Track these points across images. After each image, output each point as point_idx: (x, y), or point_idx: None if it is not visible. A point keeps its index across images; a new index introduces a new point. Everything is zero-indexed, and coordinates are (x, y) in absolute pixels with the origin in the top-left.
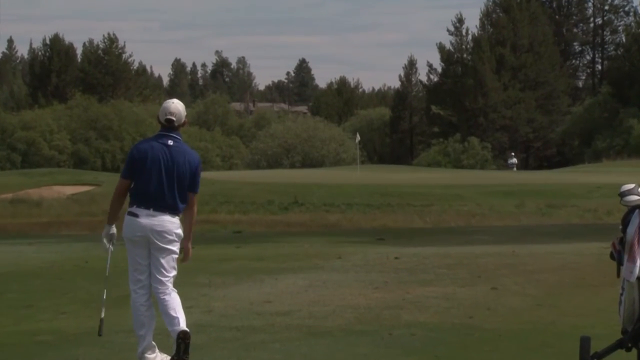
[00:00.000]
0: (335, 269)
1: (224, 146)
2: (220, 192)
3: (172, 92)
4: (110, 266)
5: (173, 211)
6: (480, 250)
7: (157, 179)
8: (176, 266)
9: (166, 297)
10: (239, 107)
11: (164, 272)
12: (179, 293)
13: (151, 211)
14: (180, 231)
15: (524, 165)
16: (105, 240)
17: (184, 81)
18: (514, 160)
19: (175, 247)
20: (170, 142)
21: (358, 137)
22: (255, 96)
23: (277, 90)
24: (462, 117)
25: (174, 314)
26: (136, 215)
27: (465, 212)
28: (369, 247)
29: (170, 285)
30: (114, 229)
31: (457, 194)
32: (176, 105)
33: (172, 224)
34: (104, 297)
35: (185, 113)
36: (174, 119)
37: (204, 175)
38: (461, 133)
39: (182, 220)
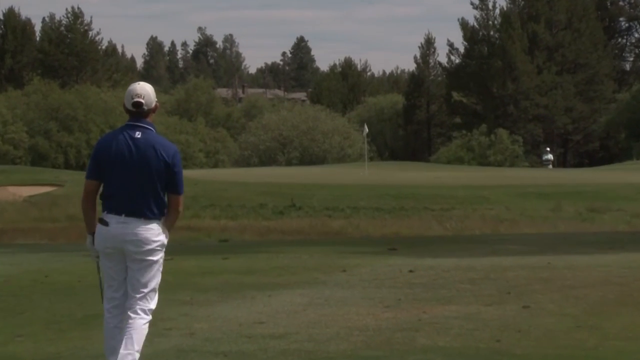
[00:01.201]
0: (339, 284)
1: (209, 140)
2: (203, 193)
3: (147, 76)
4: (77, 280)
5: (148, 216)
6: (510, 262)
7: (124, 178)
8: (156, 280)
9: (131, 322)
10: (225, 93)
11: (138, 287)
12: (154, 313)
13: (122, 217)
14: (161, 238)
15: (561, 162)
16: (91, 251)
17: (161, 63)
18: (550, 156)
19: (156, 257)
20: (138, 134)
21: (366, 129)
22: (245, 81)
23: (271, 74)
24: (489, 106)
25: (128, 345)
26: (106, 224)
27: (492, 218)
28: (379, 259)
29: (144, 304)
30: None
31: (483, 195)
32: (142, 86)
33: (148, 230)
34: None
35: (155, 96)
36: (142, 101)
37: (184, 174)
38: (487, 124)
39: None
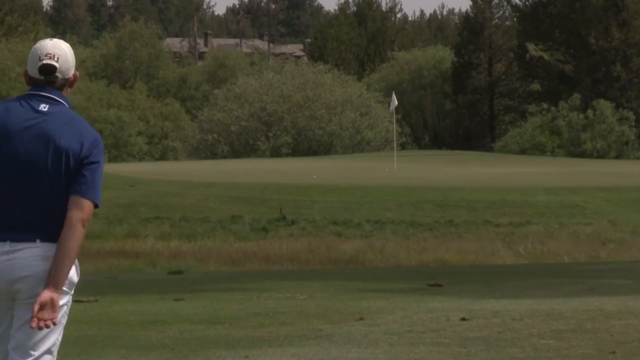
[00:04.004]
0: (353, 339)
1: (153, 117)
2: (145, 200)
3: (58, 20)
4: None
5: (49, 236)
6: (615, 306)
7: (14, 176)
8: (54, 338)
9: None
10: (179, 45)
11: (26, 347)
12: None
13: (8, 245)
14: (69, 272)
15: None
16: None
17: (79, 0)
18: None
19: (59, 302)
20: (44, 107)
21: (395, 102)
22: (208, 27)
23: (248, 18)
24: (583, 65)
25: None
26: None
27: (588, 237)
28: (415, 300)
29: None
30: None
31: (575, 203)
32: (56, 44)
33: (48, 260)
34: None
35: (74, 61)
36: (55, 64)
37: (115, 169)
38: (582, 93)
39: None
